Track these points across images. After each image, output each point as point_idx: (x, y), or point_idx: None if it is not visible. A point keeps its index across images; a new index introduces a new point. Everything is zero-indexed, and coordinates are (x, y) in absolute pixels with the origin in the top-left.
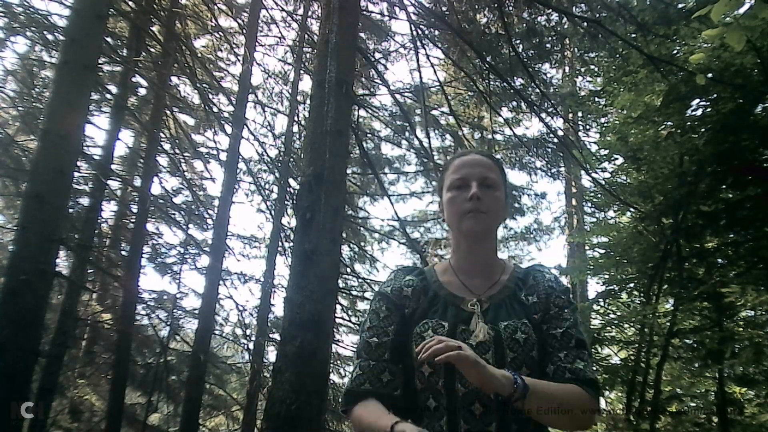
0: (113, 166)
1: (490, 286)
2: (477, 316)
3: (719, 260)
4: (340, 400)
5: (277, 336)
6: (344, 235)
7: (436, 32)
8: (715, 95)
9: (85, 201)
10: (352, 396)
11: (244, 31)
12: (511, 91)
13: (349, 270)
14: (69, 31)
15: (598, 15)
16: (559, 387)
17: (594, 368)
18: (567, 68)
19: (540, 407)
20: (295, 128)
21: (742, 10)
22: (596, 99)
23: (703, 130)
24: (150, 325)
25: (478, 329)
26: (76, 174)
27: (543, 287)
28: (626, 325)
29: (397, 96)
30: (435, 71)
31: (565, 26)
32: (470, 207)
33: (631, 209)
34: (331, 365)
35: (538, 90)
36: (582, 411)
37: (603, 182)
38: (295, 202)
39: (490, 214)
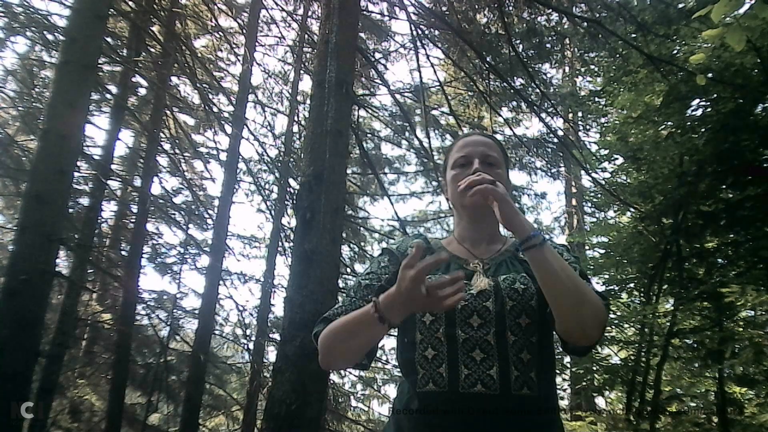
0: (113, 166)
1: (492, 252)
2: (479, 273)
3: (719, 260)
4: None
5: (277, 336)
6: (344, 235)
7: (436, 32)
8: (715, 95)
9: (85, 201)
10: (326, 321)
11: (244, 31)
12: (511, 91)
13: (349, 270)
14: (69, 31)
15: (598, 15)
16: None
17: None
18: (567, 68)
19: (552, 270)
20: (295, 128)
21: (742, 10)
22: (596, 99)
23: (703, 130)
24: (150, 325)
25: (479, 281)
26: (76, 174)
27: None
28: (626, 325)
29: (397, 96)
30: (435, 71)
31: (565, 26)
32: None
33: (631, 209)
34: None
35: (538, 90)
36: (594, 307)
37: (603, 182)
38: (295, 202)
39: None
